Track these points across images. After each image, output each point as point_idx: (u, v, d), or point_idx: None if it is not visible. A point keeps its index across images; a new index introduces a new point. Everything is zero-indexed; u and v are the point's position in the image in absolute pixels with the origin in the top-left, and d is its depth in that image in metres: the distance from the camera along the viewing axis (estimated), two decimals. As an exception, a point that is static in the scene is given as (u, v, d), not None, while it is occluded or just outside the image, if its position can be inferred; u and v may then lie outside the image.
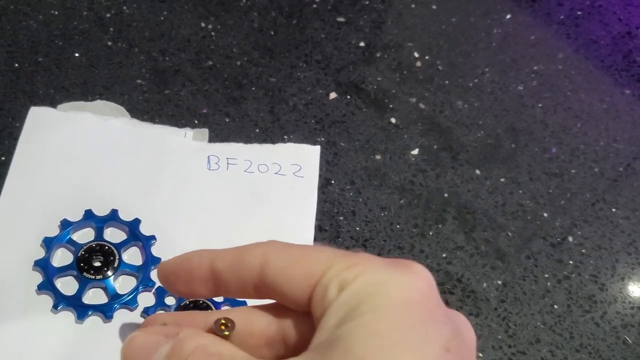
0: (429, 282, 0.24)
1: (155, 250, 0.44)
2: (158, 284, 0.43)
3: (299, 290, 0.25)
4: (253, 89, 0.54)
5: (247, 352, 0.25)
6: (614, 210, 0.52)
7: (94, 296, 0.42)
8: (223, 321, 0.27)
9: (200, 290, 0.29)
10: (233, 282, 0.27)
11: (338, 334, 0.22)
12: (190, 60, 0.55)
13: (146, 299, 0.42)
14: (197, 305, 0.42)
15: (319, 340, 0.23)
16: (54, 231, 0.44)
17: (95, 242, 0.44)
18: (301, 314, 0.26)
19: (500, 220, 0.50)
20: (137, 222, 0.45)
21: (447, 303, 0.46)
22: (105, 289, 0.42)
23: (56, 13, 0.56)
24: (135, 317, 0.42)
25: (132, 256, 0.44)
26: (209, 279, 0.28)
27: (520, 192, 0.52)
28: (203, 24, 0.57)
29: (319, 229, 0.48)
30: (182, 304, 0.42)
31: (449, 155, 0.53)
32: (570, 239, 0.50)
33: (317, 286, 0.25)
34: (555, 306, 0.47)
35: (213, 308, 0.42)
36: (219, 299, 0.42)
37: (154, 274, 0.43)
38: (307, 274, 0.25)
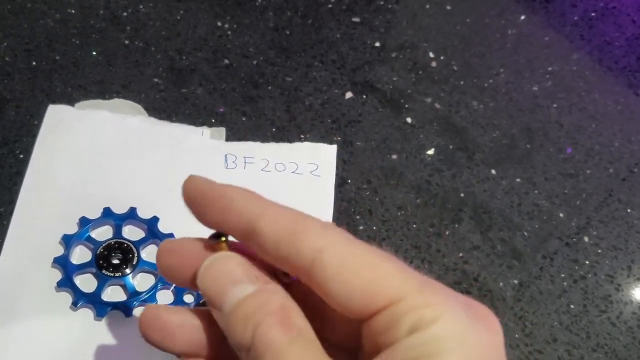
0: (501, 337, 0.24)
1: (173, 248, 0.44)
2: (177, 281, 0.43)
3: (354, 303, 0.23)
4: (269, 88, 0.54)
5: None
6: (629, 210, 0.52)
7: (113, 293, 0.43)
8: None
9: (232, 225, 0.25)
10: (272, 253, 0.24)
11: None
12: (206, 59, 0.55)
13: (165, 296, 0.42)
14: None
15: None
16: (72, 229, 0.44)
17: (114, 240, 0.44)
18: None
19: (516, 220, 0.50)
20: (155, 219, 0.45)
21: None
22: (124, 287, 0.43)
23: (73, 12, 0.56)
24: (154, 314, 0.42)
25: (151, 254, 0.44)
26: (244, 230, 0.25)
27: (536, 192, 0.52)
28: (219, 23, 0.57)
29: (336, 227, 0.48)
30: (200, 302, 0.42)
31: (465, 155, 0.53)
32: (586, 239, 0.50)
33: (383, 313, 0.23)
34: (572, 306, 0.47)
35: None
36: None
37: (172, 272, 0.43)
38: (371, 293, 0.23)
